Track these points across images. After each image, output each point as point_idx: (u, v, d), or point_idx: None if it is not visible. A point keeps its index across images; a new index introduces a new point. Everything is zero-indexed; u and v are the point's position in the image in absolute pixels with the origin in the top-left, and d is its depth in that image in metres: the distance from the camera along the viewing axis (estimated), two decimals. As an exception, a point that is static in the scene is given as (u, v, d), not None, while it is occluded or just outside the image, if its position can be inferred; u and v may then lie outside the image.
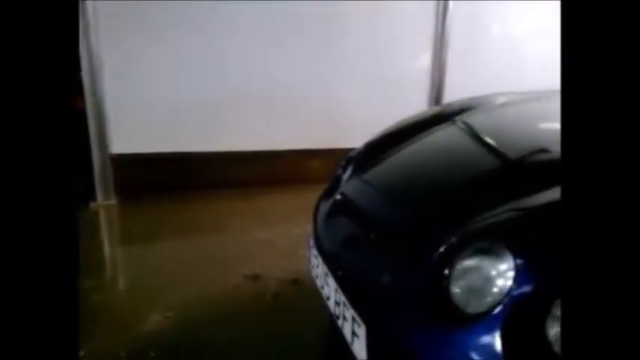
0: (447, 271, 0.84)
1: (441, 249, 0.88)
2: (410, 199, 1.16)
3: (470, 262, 0.83)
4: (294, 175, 3.11)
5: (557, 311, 0.71)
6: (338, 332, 1.07)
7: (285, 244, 2.20)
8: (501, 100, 1.79)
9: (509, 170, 1.09)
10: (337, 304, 1.09)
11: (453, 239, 0.87)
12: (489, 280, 0.79)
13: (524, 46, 3.59)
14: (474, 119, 1.52)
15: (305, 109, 3.23)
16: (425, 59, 3.42)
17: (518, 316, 0.73)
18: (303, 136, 3.26)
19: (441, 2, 3.28)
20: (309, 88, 3.21)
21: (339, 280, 1.08)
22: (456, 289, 0.83)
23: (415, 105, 3.38)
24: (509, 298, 0.75)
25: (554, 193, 0.84)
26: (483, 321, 0.77)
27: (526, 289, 0.73)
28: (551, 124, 1.49)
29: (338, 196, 1.39)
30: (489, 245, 0.81)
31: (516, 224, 0.83)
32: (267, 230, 2.41)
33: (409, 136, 1.58)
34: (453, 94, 3.06)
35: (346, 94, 3.29)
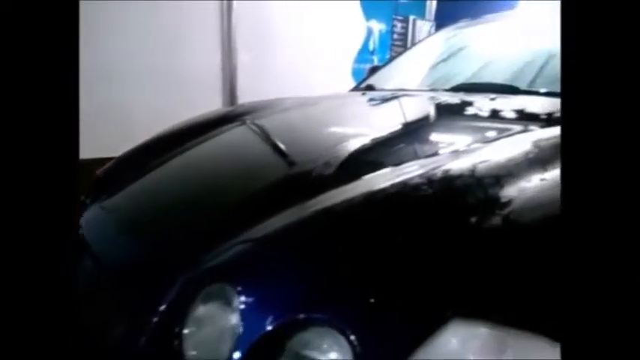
0: (177, 330, 0.64)
1: (171, 298, 0.67)
2: (151, 231, 0.91)
3: (201, 313, 0.65)
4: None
5: (294, 347, 0.58)
6: None
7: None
8: (287, 103, 1.70)
9: (261, 189, 0.94)
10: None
11: (184, 284, 0.67)
12: (224, 333, 0.62)
13: (310, 46, 3.72)
14: (253, 126, 1.38)
15: (88, 112, 2.75)
16: (215, 60, 3.23)
17: None
18: (86, 144, 2.76)
19: (225, 2, 3.13)
20: (89, 90, 2.74)
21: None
22: (191, 352, 0.64)
23: (211, 106, 3.20)
24: (243, 348, 0.59)
25: (288, 217, 0.72)
26: None
27: (257, 333, 0.59)
28: (328, 129, 1.44)
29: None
30: (219, 288, 0.64)
31: (244, 259, 0.67)
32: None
33: (180, 143, 1.35)
34: (248, 95, 2.98)
35: (133, 94, 2.91)
